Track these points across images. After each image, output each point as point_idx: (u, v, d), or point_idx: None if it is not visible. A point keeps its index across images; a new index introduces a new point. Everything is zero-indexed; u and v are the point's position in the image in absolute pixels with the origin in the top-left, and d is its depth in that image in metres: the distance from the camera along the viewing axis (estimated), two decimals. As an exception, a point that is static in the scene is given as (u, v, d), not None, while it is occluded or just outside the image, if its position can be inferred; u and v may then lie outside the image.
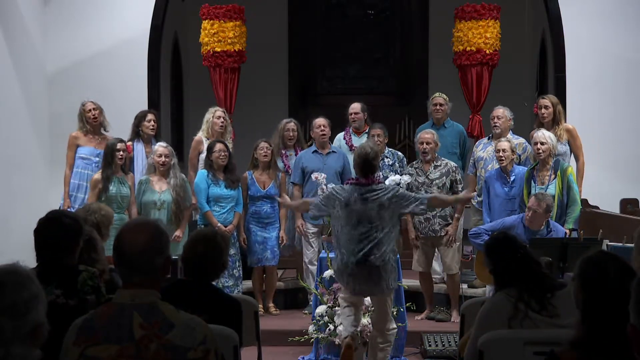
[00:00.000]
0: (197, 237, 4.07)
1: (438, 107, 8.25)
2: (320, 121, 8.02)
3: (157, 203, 7.33)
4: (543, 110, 7.61)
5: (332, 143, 8.07)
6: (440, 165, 7.41)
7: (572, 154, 7.66)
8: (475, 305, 4.63)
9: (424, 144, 7.39)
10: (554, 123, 7.59)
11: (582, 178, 7.60)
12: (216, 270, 4.02)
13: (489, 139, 7.99)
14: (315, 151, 7.94)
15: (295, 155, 8.15)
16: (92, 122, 7.88)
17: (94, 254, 4.23)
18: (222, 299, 3.95)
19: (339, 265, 5.66)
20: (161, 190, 7.37)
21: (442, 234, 7.41)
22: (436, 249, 7.60)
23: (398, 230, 6.01)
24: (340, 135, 8.41)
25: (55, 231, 3.64)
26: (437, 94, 8.44)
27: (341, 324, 6.06)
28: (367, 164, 5.66)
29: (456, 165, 7.57)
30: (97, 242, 4.37)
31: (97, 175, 7.33)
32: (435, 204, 6.60)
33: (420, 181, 7.37)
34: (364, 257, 5.51)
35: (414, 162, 7.62)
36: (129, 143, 7.86)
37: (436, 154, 7.47)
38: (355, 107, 8.31)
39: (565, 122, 7.86)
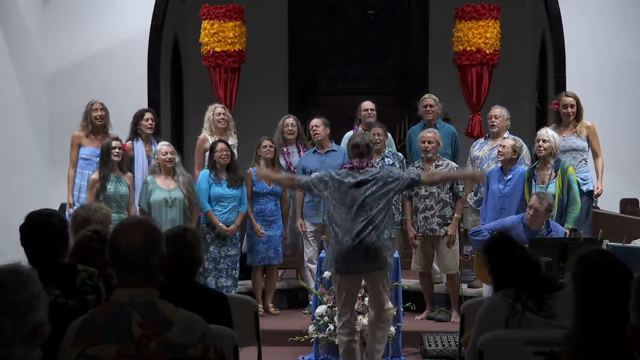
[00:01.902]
0: (165, 237, 4.01)
1: (428, 108, 8.25)
2: (313, 122, 8.04)
3: (168, 201, 7.32)
4: (569, 110, 7.57)
5: (332, 142, 8.06)
6: (441, 165, 7.40)
7: (591, 151, 7.65)
8: (475, 305, 4.64)
9: (426, 142, 7.40)
10: (575, 120, 7.59)
11: (602, 175, 7.59)
12: (191, 268, 3.95)
13: (485, 138, 8.00)
14: (315, 151, 7.97)
15: (297, 151, 8.16)
16: (95, 122, 7.86)
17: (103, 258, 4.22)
18: (207, 295, 3.91)
19: (333, 245, 5.73)
20: (170, 188, 7.37)
21: (441, 234, 7.40)
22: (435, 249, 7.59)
23: (392, 212, 6.10)
24: (349, 133, 8.41)
25: (40, 234, 3.61)
26: (426, 95, 8.45)
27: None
28: (362, 149, 5.86)
29: (457, 165, 7.56)
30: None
31: (95, 175, 7.35)
32: (433, 181, 6.56)
33: None
34: (360, 236, 5.60)
35: (415, 162, 7.61)
36: (129, 142, 7.87)
37: (437, 154, 7.47)
38: (369, 104, 8.33)
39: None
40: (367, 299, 6.25)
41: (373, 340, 5.98)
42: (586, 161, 7.58)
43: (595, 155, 7.66)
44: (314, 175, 5.97)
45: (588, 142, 7.60)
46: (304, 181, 5.98)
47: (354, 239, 5.61)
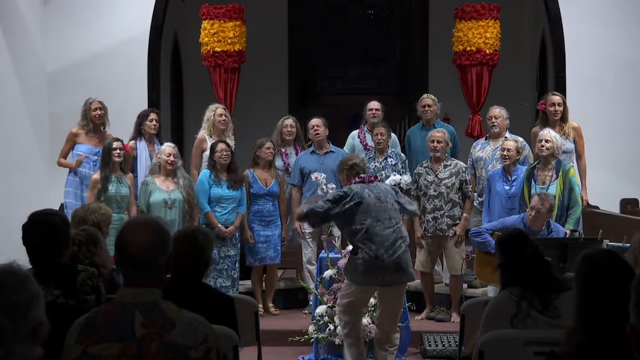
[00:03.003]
0: (176, 236, 3.97)
1: (426, 108, 8.26)
2: (313, 122, 8.04)
3: (167, 202, 7.31)
4: (556, 107, 7.57)
5: (330, 143, 8.05)
6: (450, 165, 7.41)
7: (575, 153, 7.63)
8: (475, 305, 4.64)
9: (435, 142, 7.39)
10: (561, 121, 7.57)
11: (586, 176, 7.60)
12: (199, 268, 3.97)
13: (486, 139, 8.00)
14: (313, 151, 7.95)
15: (295, 152, 8.15)
16: (95, 121, 7.87)
17: (93, 248, 4.22)
18: (213, 296, 3.92)
19: (365, 260, 5.55)
20: (169, 189, 7.36)
21: (450, 234, 7.39)
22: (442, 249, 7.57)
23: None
24: (355, 133, 8.40)
25: (43, 232, 3.61)
26: (425, 95, 8.47)
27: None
28: (361, 167, 5.90)
29: (466, 166, 7.56)
30: (100, 240, 4.35)
31: (96, 176, 7.34)
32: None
33: (429, 180, 7.36)
34: (394, 247, 5.59)
35: (423, 162, 7.61)
36: (132, 142, 7.86)
37: (446, 154, 7.47)
38: (375, 104, 8.32)
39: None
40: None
41: None
42: (573, 163, 7.56)
43: (578, 157, 7.65)
44: (327, 198, 5.78)
45: (574, 143, 7.60)
46: (325, 210, 5.66)
47: (388, 251, 5.56)
